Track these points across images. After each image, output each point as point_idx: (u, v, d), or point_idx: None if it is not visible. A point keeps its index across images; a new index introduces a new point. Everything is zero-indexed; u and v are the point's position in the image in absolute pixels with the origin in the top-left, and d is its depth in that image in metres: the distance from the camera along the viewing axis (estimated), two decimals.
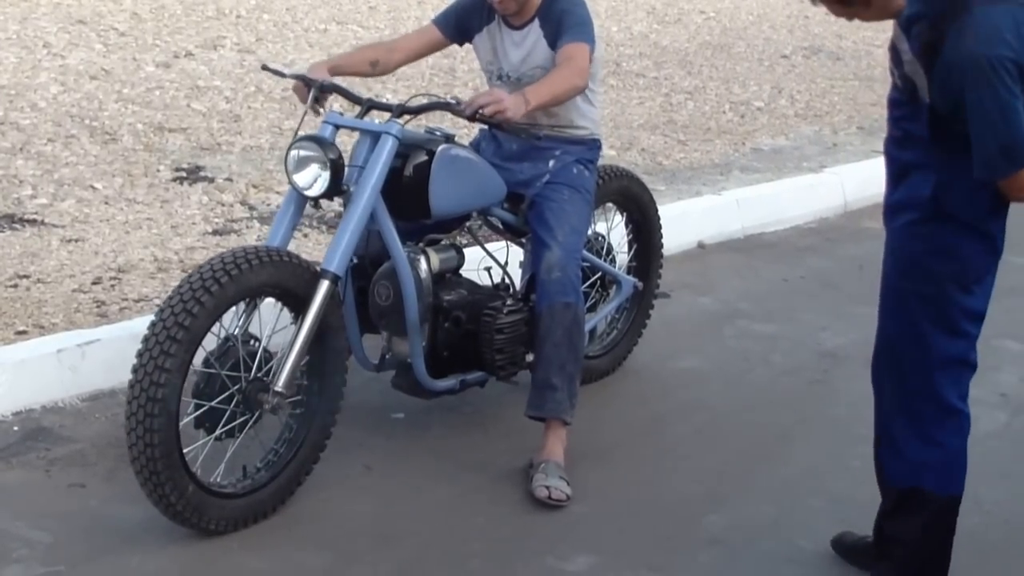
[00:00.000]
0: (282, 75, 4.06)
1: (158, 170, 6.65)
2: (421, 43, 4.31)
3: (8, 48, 9.57)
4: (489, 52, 4.20)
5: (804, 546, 3.65)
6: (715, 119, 8.97)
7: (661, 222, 4.91)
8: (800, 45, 12.30)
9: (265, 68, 4.13)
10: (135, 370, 3.30)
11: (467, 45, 4.33)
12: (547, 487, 3.83)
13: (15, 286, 4.93)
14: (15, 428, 4.10)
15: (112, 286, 5.01)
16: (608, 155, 7.42)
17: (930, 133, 2.93)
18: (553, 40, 4.03)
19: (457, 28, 4.24)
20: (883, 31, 14.74)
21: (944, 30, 2.81)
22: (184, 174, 6.61)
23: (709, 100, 9.55)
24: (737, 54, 11.57)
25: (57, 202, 6.00)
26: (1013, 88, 2.74)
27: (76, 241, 5.49)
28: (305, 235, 5.73)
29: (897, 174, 3.09)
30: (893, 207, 3.09)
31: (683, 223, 6.32)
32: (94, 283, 5.03)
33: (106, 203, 6.04)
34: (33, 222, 5.68)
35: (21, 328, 4.55)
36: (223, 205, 6.15)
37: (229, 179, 6.57)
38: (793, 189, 7.17)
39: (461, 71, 9.61)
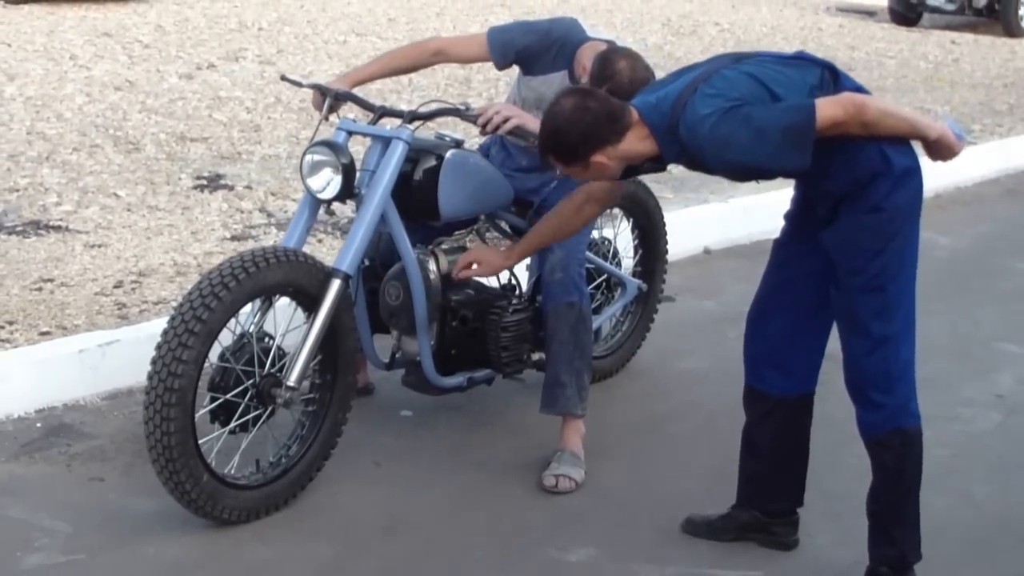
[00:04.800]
0: (299, 85, 4.18)
1: (180, 178, 6.79)
2: (465, 54, 4.29)
3: (35, 60, 9.76)
4: (538, 94, 4.18)
5: (798, 539, 3.73)
6: None
7: (666, 228, 5.01)
8: None
9: (284, 78, 4.26)
10: (154, 361, 3.42)
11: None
12: (556, 476, 3.98)
13: (39, 289, 5.06)
14: (38, 425, 4.22)
15: (133, 289, 5.13)
16: None
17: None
18: None
19: (513, 59, 4.21)
20: (895, 43, 14.76)
21: (694, 160, 3.22)
22: (205, 182, 6.75)
23: None
24: None
25: (81, 209, 6.14)
26: (739, 113, 3.07)
27: (99, 246, 5.62)
28: (320, 240, 5.85)
29: (821, 199, 3.34)
30: (827, 216, 3.31)
31: (690, 229, 6.42)
32: (115, 286, 5.15)
33: (129, 210, 6.18)
34: (58, 228, 5.83)
35: (44, 329, 4.67)
36: (242, 212, 6.28)
37: (248, 187, 6.71)
38: None
39: (477, 81, 9.74)
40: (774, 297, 3.56)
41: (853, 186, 3.20)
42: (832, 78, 3.23)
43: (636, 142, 3.23)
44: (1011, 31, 15.23)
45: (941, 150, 3.26)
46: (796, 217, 3.49)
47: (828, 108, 3.08)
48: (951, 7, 15.44)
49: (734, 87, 3.13)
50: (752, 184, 7.34)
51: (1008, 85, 11.82)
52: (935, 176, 8.11)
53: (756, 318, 3.62)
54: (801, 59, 3.30)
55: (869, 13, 16.80)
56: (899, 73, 11.99)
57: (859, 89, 3.24)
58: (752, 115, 3.07)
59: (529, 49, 4.15)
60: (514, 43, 4.17)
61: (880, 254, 3.23)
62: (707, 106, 3.10)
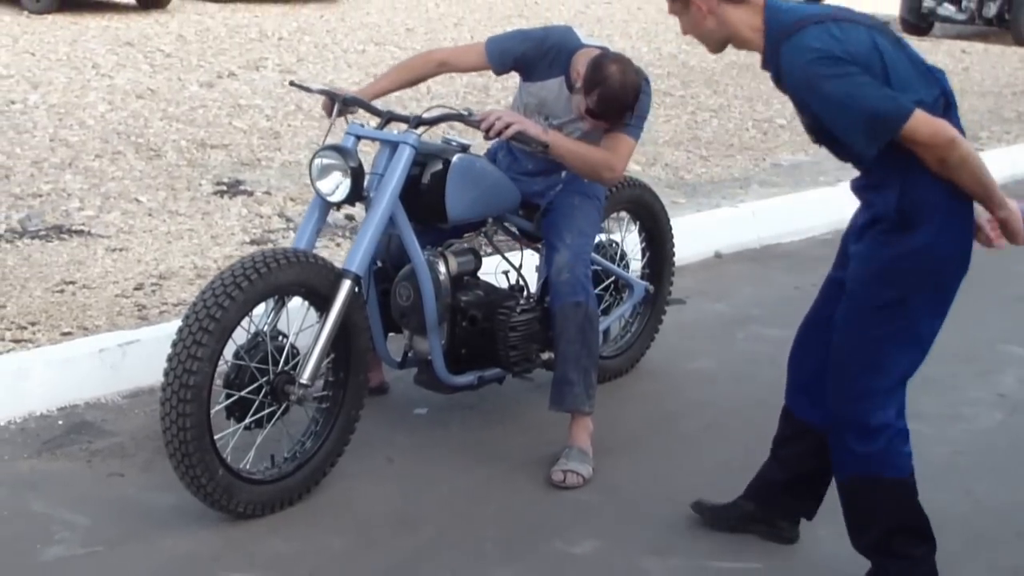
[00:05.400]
0: (309, 90, 4.26)
1: (200, 184, 6.91)
2: (466, 63, 4.41)
3: (59, 69, 9.90)
4: (539, 99, 4.29)
5: (799, 533, 3.79)
6: (738, 136, 9.13)
7: (673, 231, 5.10)
8: None
9: (293, 84, 4.36)
10: (170, 359, 3.52)
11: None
12: (564, 471, 4.06)
13: (61, 291, 5.17)
14: (60, 422, 4.32)
15: (153, 291, 5.24)
16: (633, 170, 7.60)
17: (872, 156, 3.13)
18: None
19: (512, 67, 4.32)
20: None
21: (780, 79, 3.13)
22: (225, 188, 6.86)
23: (733, 118, 9.72)
24: (762, 73, 11.64)
25: (103, 214, 6.26)
26: (843, 70, 2.98)
27: (120, 250, 5.73)
28: (338, 244, 5.95)
29: (864, 203, 3.29)
30: (863, 227, 3.25)
31: (701, 233, 6.50)
32: (136, 289, 5.26)
33: (150, 215, 6.29)
34: (80, 233, 5.94)
35: (66, 330, 4.77)
36: (261, 217, 6.39)
37: (268, 192, 6.82)
38: (808, 202, 7.32)
39: (495, 89, 9.85)
40: (814, 329, 3.49)
41: (894, 215, 3.10)
42: (944, 106, 3.10)
43: (743, 23, 3.16)
44: (1021, 40, 15.29)
45: (1004, 231, 3.15)
46: (843, 242, 3.42)
47: (922, 123, 2.97)
48: (961, 17, 15.49)
49: (857, 45, 3.02)
50: (763, 190, 7.49)
51: (1017, 93, 11.88)
52: None
53: (798, 342, 3.58)
54: (931, 73, 3.15)
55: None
56: None
57: (960, 130, 3.12)
58: (853, 79, 2.97)
59: (526, 56, 4.25)
60: (511, 51, 4.27)
61: (881, 310, 3.15)
62: (821, 42, 3.01)
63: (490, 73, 4.42)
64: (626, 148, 4.14)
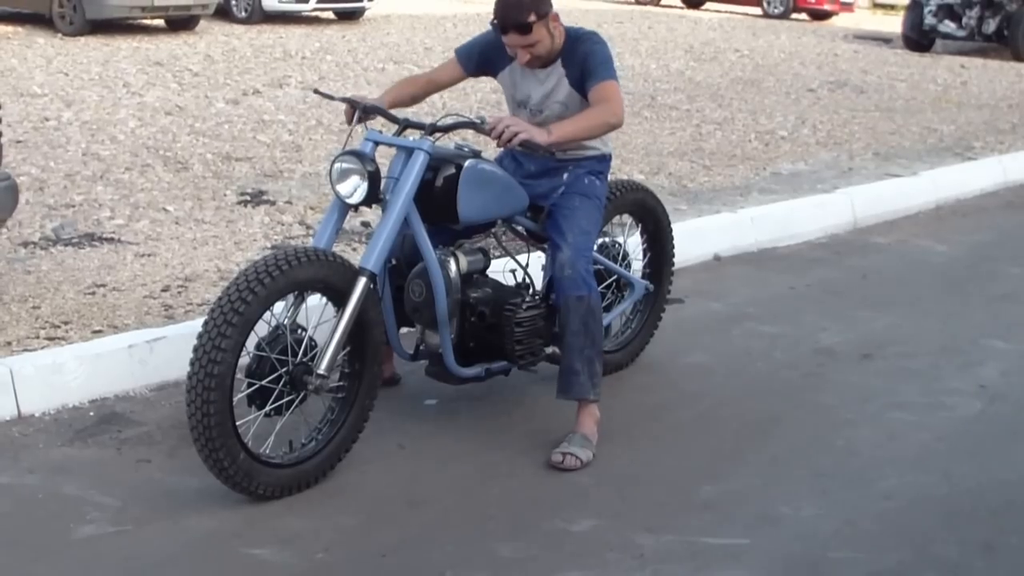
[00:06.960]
0: (332, 98, 4.49)
1: (224, 194, 7.17)
2: (446, 76, 4.69)
3: (91, 87, 10.22)
4: (511, 87, 4.57)
5: (784, 511, 4.00)
6: (740, 147, 9.34)
7: (673, 233, 5.31)
8: (827, 80, 12.65)
9: (316, 92, 4.59)
10: (195, 349, 3.73)
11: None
12: (563, 454, 4.27)
13: (93, 293, 5.42)
14: (91, 413, 4.52)
15: (179, 293, 5.47)
16: (637, 178, 7.84)
17: None
18: (577, 79, 4.39)
19: (478, 64, 4.60)
20: (907, 67, 15.30)
21: None
22: (248, 198, 7.12)
23: (736, 130, 9.93)
24: (766, 88, 11.94)
25: (132, 223, 6.52)
26: None
27: (148, 256, 5.98)
28: (355, 249, 6.18)
29: None
30: None
31: (701, 237, 6.72)
32: (163, 290, 5.50)
33: (176, 223, 6.55)
34: (111, 240, 6.20)
35: (97, 328, 5.00)
36: (283, 224, 6.63)
37: (289, 202, 7.06)
38: (805, 207, 7.53)
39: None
40: None
41: None
42: None
43: None
44: (1019, 55, 15.55)
45: None
46: None
47: None
48: (961, 33, 15.78)
49: None
50: (762, 197, 7.71)
51: (1012, 106, 12.12)
52: (937, 188, 8.46)
53: None
54: None
55: (885, 40, 17.15)
56: (909, 95, 12.28)
57: None
58: None
59: (486, 50, 4.54)
60: (474, 48, 4.58)
61: None
62: None
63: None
64: (612, 91, 4.32)
